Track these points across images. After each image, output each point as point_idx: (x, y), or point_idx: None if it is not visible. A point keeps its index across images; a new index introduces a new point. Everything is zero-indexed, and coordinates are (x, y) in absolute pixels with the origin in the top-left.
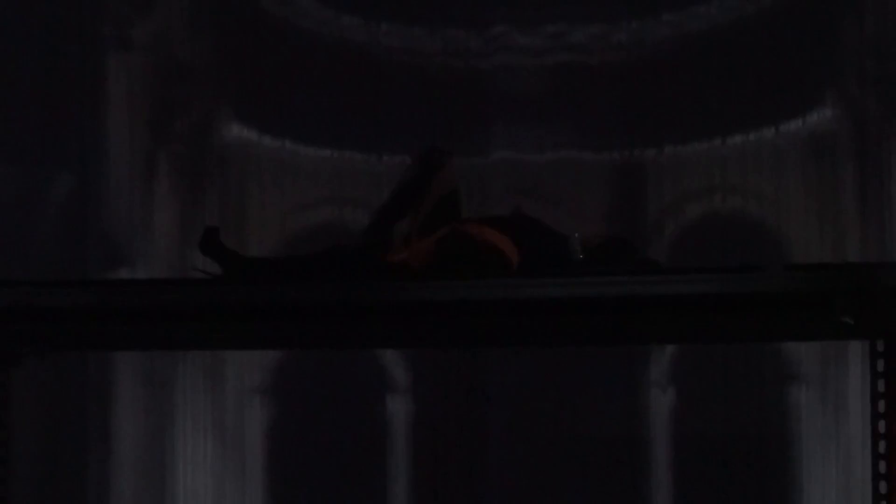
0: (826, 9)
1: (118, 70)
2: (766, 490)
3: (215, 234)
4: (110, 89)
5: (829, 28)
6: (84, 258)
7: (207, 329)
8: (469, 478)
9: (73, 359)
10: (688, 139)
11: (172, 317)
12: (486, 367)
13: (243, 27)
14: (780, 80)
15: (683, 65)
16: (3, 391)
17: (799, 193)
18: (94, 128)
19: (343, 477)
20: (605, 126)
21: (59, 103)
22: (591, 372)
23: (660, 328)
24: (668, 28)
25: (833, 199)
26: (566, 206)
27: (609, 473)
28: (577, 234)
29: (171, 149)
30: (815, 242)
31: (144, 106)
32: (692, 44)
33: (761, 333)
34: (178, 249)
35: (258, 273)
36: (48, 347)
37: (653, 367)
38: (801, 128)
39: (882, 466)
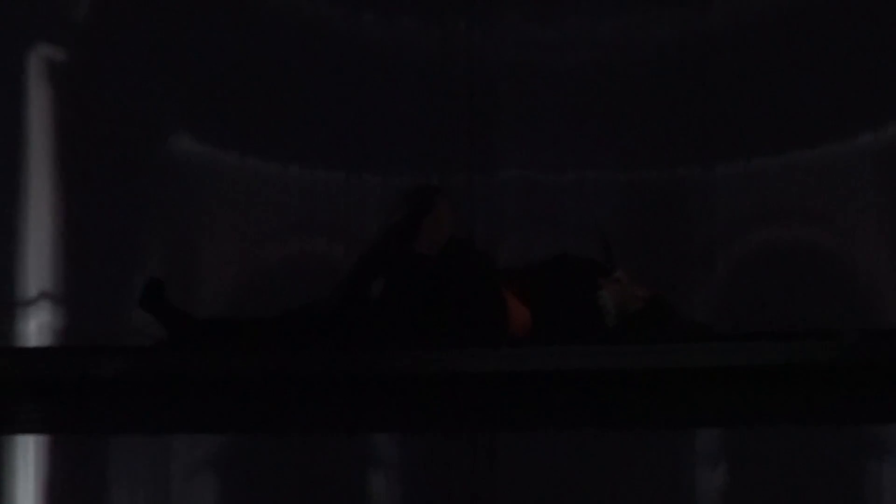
0: None
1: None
2: None
3: (159, 289)
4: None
5: None
6: None
7: (145, 407)
8: None
9: None
10: (740, 155)
11: (100, 391)
12: (494, 437)
13: (196, 16)
14: (851, 84)
15: (736, 64)
16: None
17: (872, 219)
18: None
19: None
20: (640, 139)
21: None
22: (625, 443)
23: (707, 407)
24: (716, 19)
25: None
26: (590, 237)
27: None
28: (604, 293)
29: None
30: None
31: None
32: (747, 39)
33: (833, 412)
34: (108, 302)
35: (212, 337)
36: None
37: (700, 438)
38: (873, 141)
39: None
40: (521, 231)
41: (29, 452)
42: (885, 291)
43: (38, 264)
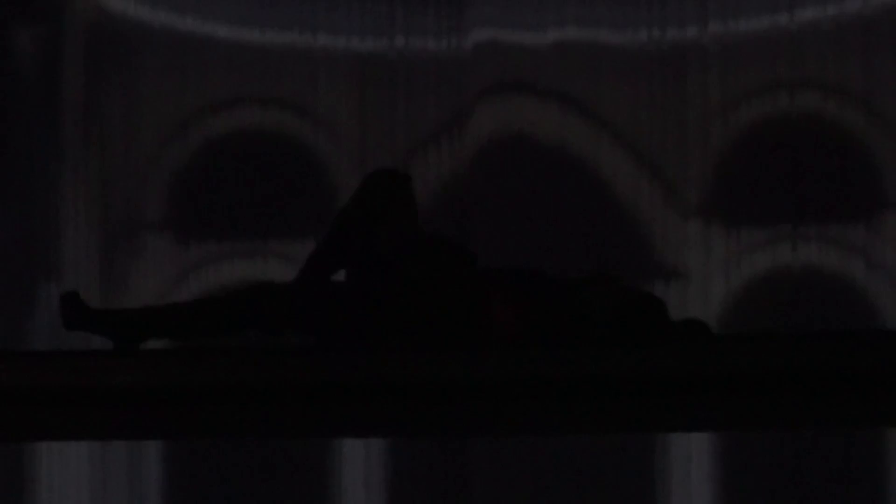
0: None
1: None
2: None
3: (76, 301)
4: None
5: None
6: None
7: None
8: None
9: None
10: (743, 13)
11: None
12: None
13: None
14: None
15: None
16: None
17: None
18: None
19: None
20: None
21: None
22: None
23: (702, 413)
24: None
25: None
26: (574, 107)
27: None
28: (594, 293)
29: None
30: None
31: None
32: None
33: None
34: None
35: (154, 332)
36: None
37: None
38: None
39: None
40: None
41: None
42: None
43: None
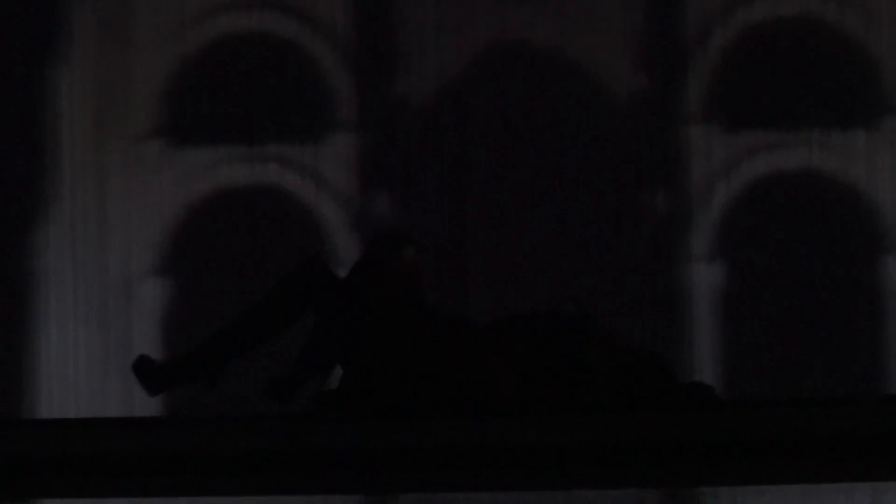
0: None
1: None
2: None
3: (149, 365)
4: None
5: None
6: None
7: None
8: None
9: None
10: None
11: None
12: None
13: None
14: None
15: None
16: None
17: None
18: None
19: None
20: None
21: None
22: None
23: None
24: None
25: None
26: (571, 11)
27: None
28: (593, 353)
29: None
30: None
31: None
32: None
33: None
34: None
35: (228, 357)
36: None
37: None
38: None
39: None
40: None
41: None
42: None
43: None
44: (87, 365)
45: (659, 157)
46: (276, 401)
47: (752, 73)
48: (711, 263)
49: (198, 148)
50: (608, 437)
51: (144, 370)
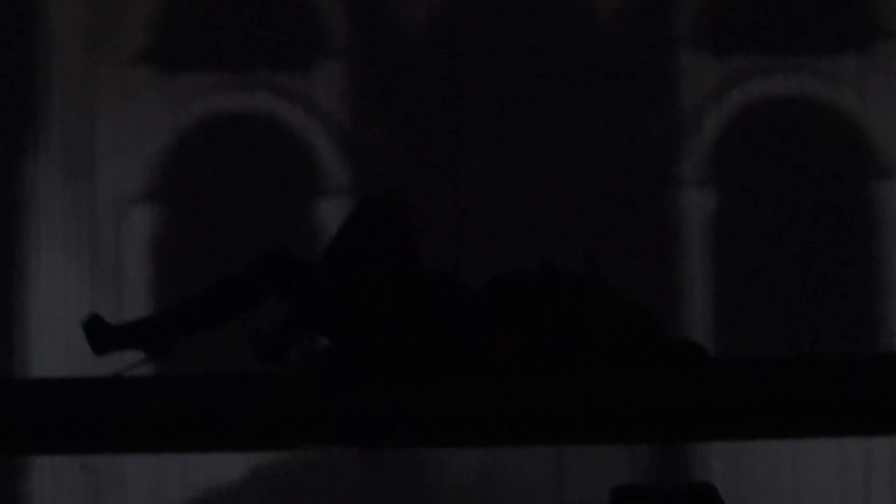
0: None
1: None
2: None
3: (100, 324)
4: None
5: None
6: None
7: None
8: None
9: None
10: None
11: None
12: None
13: None
14: None
15: None
16: None
17: None
18: None
19: None
20: None
21: None
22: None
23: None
24: None
25: None
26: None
27: None
28: (591, 310)
29: None
30: None
31: None
32: None
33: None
34: None
35: (182, 330)
36: None
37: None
38: None
39: None
40: None
41: None
42: None
43: None
44: (76, 290)
45: (651, 83)
46: (266, 359)
47: None
48: (702, 188)
49: (189, 74)
50: (601, 395)
51: (95, 329)
